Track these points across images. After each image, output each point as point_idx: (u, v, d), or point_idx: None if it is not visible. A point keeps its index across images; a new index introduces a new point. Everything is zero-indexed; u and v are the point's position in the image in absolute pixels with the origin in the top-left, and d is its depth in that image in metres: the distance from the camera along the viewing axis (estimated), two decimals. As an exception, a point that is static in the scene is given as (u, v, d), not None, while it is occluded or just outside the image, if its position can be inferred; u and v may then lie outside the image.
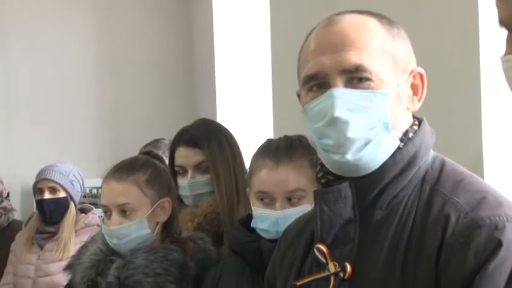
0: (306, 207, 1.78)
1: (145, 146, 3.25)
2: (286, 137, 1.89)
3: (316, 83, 1.23)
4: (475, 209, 1.14)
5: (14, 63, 4.36)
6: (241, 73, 4.35)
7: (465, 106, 2.53)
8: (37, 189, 3.41)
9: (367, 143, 1.19)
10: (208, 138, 2.30)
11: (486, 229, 1.11)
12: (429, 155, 1.26)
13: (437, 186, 1.21)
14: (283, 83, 3.42)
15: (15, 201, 4.04)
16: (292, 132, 1.93)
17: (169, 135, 2.42)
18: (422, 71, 1.28)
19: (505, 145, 2.47)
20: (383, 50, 1.22)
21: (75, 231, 3.34)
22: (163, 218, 2.10)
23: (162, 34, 4.68)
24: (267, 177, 1.80)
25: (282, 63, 3.44)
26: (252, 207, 1.85)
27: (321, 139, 1.22)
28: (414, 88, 1.27)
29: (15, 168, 4.22)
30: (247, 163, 1.96)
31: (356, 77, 1.20)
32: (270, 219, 1.80)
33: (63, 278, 2.30)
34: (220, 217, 2.23)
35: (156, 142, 3.42)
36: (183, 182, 2.29)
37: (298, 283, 1.29)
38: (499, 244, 1.10)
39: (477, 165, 2.39)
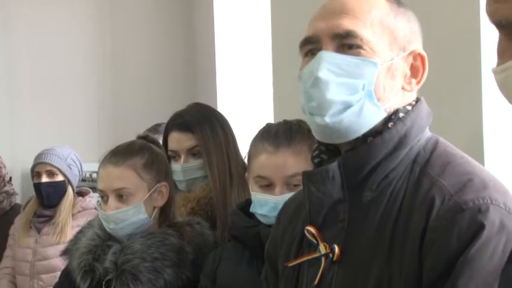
0: None
1: (148, 130, 3.23)
2: (286, 122, 1.87)
3: (311, 49, 1.23)
4: (459, 192, 1.13)
5: (16, 47, 4.33)
6: (241, 59, 4.33)
7: (465, 82, 2.51)
8: (35, 173, 3.39)
9: (347, 108, 1.18)
10: (201, 122, 2.27)
11: (469, 212, 1.10)
12: (424, 136, 1.24)
13: (427, 167, 1.19)
14: (284, 68, 3.40)
15: (16, 185, 4.03)
16: (292, 117, 1.91)
17: (170, 121, 2.40)
18: (424, 53, 1.26)
19: (504, 121, 2.44)
20: (381, 22, 1.22)
21: (73, 215, 3.33)
22: (160, 202, 2.07)
23: (163, 20, 4.64)
24: (266, 162, 1.78)
25: (282, 48, 3.43)
26: (251, 192, 1.83)
27: (307, 102, 1.22)
28: (414, 70, 1.25)
29: (16, 153, 4.20)
30: (246, 149, 1.93)
31: (347, 44, 1.20)
32: (269, 205, 1.78)
33: (61, 262, 2.29)
34: (213, 202, 2.21)
35: (157, 126, 3.40)
36: (176, 166, 2.26)
37: (290, 264, 1.29)
38: (481, 227, 1.09)
39: (477, 141, 2.36)
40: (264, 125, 1.90)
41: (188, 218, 2.14)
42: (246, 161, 1.96)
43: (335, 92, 1.18)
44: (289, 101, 3.39)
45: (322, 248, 1.21)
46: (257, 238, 1.80)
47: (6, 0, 4.31)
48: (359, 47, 1.19)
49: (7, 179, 3.62)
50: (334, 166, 1.20)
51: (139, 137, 2.22)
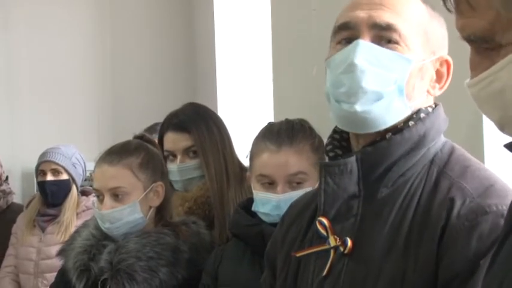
0: (308, 190, 1.76)
1: (146, 130, 3.23)
2: (288, 121, 1.89)
3: (345, 37, 1.22)
4: (482, 195, 1.13)
5: (16, 47, 4.32)
6: (241, 59, 4.33)
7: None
8: (40, 171, 3.39)
9: (378, 99, 1.18)
10: (197, 122, 2.27)
11: (493, 216, 1.10)
12: (440, 140, 1.25)
13: (446, 169, 1.19)
14: (284, 68, 3.40)
15: (15, 184, 4.03)
16: (292, 117, 1.93)
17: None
18: (450, 61, 1.27)
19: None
20: (418, 22, 1.22)
21: (77, 214, 3.33)
22: (156, 202, 2.07)
23: (163, 19, 4.64)
24: (269, 161, 1.80)
25: (282, 48, 3.43)
26: (253, 191, 1.84)
27: (336, 88, 1.21)
28: (439, 75, 1.26)
29: (15, 152, 4.20)
30: (247, 148, 1.93)
31: (385, 37, 1.19)
32: (271, 203, 1.80)
33: (65, 261, 2.31)
34: (210, 201, 2.21)
35: (156, 126, 3.40)
36: (172, 167, 2.25)
37: (298, 254, 1.29)
38: None
39: (477, 140, 2.36)
40: (265, 124, 1.91)
41: (184, 218, 2.13)
42: (246, 160, 1.96)
43: (369, 81, 1.17)
44: (289, 101, 3.41)
45: (332, 241, 1.21)
46: (259, 236, 1.81)
47: (6, 0, 4.31)
48: (396, 42, 1.19)
49: (3, 177, 3.60)
50: (352, 160, 1.20)
51: (136, 137, 2.21)
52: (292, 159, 1.78)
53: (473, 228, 1.10)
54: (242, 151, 2.26)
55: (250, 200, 1.86)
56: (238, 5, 4.34)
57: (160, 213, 2.09)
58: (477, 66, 0.82)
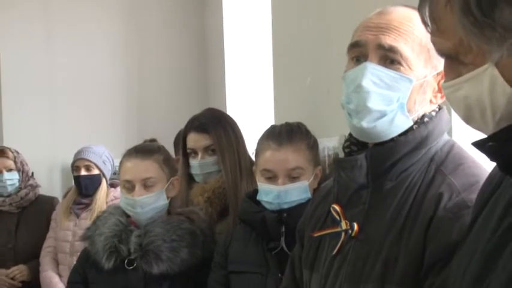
0: (304, 182, 1.83)
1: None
2: (287, 124, 1.92)
3: (357, 55, 1.22)
4: (467, 191, 1.13)
5: (56, 58, 4.32)
6: (247, 71, 4.32)
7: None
8: (75, 167, 3.44)
9: (382, 116, 1.18)
10: (215, 124, 2.30)
11: None
12: (442, 139, 1.24)
13: (442, 166, 1.19)
14: (283, 77, 3.39)
15: (57, 178, 4.07)
16: (290, 120, 1.96)
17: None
18: None
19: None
20: (421, 42, 1.19)
21: (106, 203, 3.36)
22: (172, 193, 2.13)
23: (181, 38, 4.66)
24: (271, 157, 1.82)
25: (282, 57, 3.41)
26: (258, 183, 1.87)
27: (347, 103, 1.21)
28: (441, 86, 1.24)
29: (56, 150, 4.22)
30: (253, 146, 1.96)
31: (389, 58, 1.19)
32: (273, 193, 1.83)
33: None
34: (226, 192, 2.24)
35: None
36: (194, 162, 2.29)
37: (315, 235, 1.30)
38: None
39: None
40: (268, 126, 1.96)
41: (189, 209, 2.19)
42: (253, 156, 1.99)
43: (374, 102, 1.18)
44: (287, 106, 3.40)
45: (344, 225, 1.22)
46: (263, 221, 1.84)
47: (48, 20, 4.34)
48: (399, 63, 1.18)
49: (30, 174, 3.62)
50: (362, 157, 1.21)
51: (149, 141, 2.30)
52: (291, 156, 1.81)
53: (455, 220, 1.10)
54: (249, 149, 2.30)
55: (256, 191, 1.89)
56: (246, 15, 4.28)
57: (171, 203, 2.15)
58: (448, 73, 0.84)
